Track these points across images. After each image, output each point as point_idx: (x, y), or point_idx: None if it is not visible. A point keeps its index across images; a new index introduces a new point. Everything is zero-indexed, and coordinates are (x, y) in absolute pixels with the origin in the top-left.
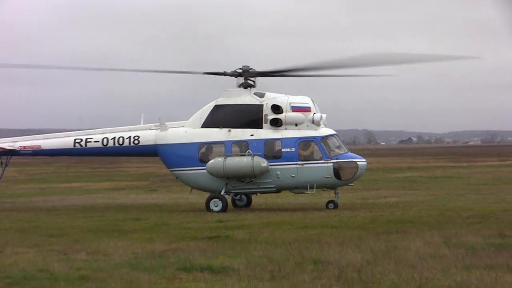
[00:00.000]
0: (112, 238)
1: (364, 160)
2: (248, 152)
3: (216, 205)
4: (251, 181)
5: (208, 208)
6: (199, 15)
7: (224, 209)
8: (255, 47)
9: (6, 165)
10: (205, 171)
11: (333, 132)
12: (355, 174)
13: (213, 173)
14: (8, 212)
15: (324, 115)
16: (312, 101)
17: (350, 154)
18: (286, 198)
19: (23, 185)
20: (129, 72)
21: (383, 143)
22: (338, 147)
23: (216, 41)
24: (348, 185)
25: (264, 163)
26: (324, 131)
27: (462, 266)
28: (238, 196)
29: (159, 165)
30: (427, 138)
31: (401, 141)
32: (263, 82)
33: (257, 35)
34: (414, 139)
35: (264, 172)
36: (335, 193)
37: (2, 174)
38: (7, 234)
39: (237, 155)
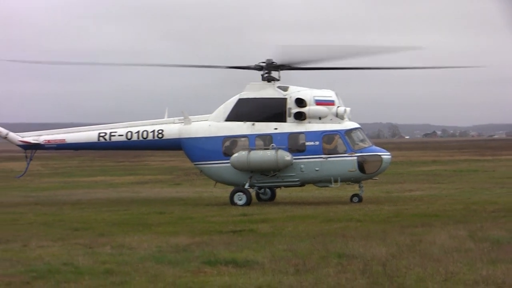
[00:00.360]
0: (136, 232)
1: (389, 153)
2: (272, 145)
3: (240, 198)
4: (275, 174)
5: (232, 202)
6: (219, 9)
7: (248, 202)
8: (277, 41)
9: (30, 159)
10: (229, 164)
11: (357, 125)
12: (379, 168)
13: (237, 167)
14: (33, 205)
15: (348, 109)
16: (336, 94)
17: (374, 147)
18: (310, 191)
19: (47, 178)
20: (149, 67)
21: (407, 137)
22: (362, 140)
23: (239, 35)
24: (372, 179)
25: (288, 156)
26: (348, 124)
27: (487, 260)
28: (262, 189)
29: (183, 159)
30: (451, 131)
31: (426, 135)
32: (286, 76)
33: (278, 29)
34: (439, 132)
35: (288, 165)
36: (359, 186)
37: (27, 168)
38: (31, 227)
39: (261, 149)
